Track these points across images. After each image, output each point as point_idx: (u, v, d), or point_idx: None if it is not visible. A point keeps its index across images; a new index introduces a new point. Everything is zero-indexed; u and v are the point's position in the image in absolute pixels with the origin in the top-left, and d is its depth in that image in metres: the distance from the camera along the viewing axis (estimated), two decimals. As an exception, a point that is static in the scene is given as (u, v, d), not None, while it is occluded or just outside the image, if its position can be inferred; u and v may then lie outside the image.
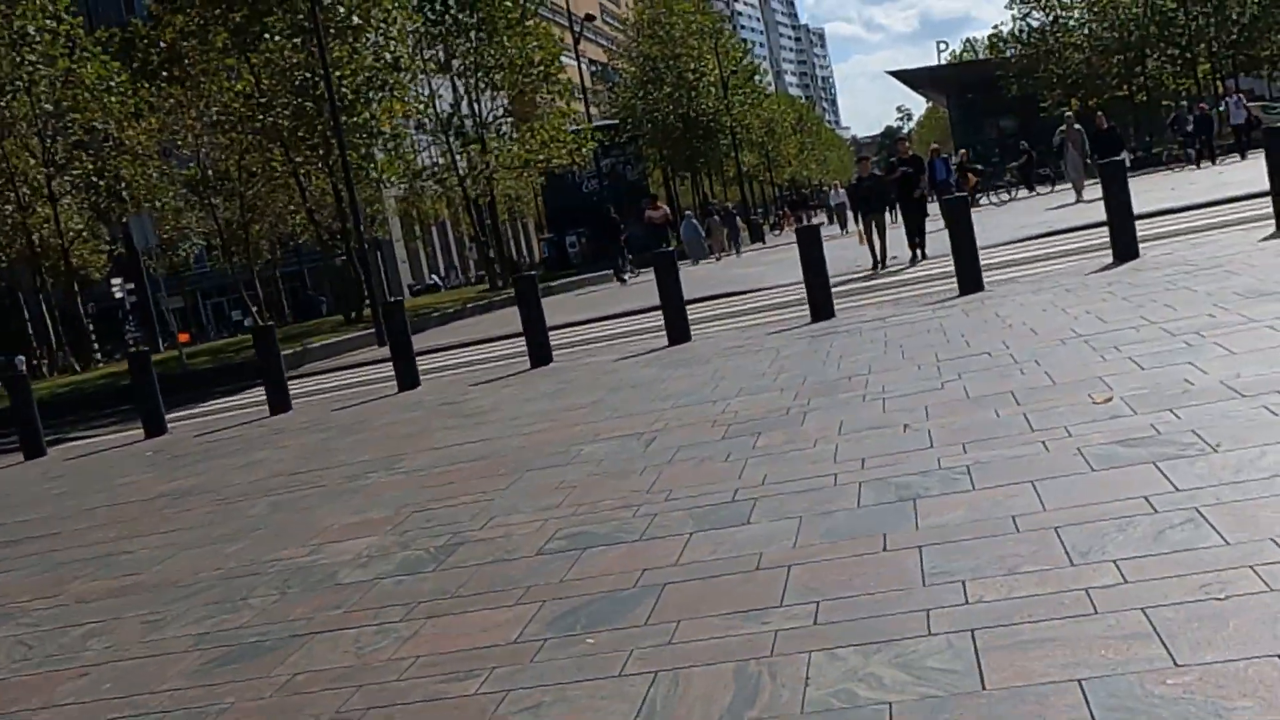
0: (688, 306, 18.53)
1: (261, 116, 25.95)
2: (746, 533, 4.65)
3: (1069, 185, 25.94)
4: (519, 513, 5.81)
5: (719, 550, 4.49)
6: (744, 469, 5.76)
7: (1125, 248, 12.33)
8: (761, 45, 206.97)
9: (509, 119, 33.15)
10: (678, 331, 13.13)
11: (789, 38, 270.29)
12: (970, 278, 12.54)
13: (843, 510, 4.70)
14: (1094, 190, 21.07)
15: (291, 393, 18.40)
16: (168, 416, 18.45)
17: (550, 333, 20.06)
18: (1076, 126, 24.00)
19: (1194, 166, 32.16)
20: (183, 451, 11.85)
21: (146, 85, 26.22)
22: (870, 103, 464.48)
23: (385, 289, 69.09)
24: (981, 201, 33.52)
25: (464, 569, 4.96)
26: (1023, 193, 37.09)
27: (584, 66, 58.91)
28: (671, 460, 6.32)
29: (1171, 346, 6.67)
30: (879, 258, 17.36)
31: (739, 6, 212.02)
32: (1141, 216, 18.49)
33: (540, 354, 13.54)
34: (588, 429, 7.95)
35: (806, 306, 13.16)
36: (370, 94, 25.20)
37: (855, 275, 17.70)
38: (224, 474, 9.36)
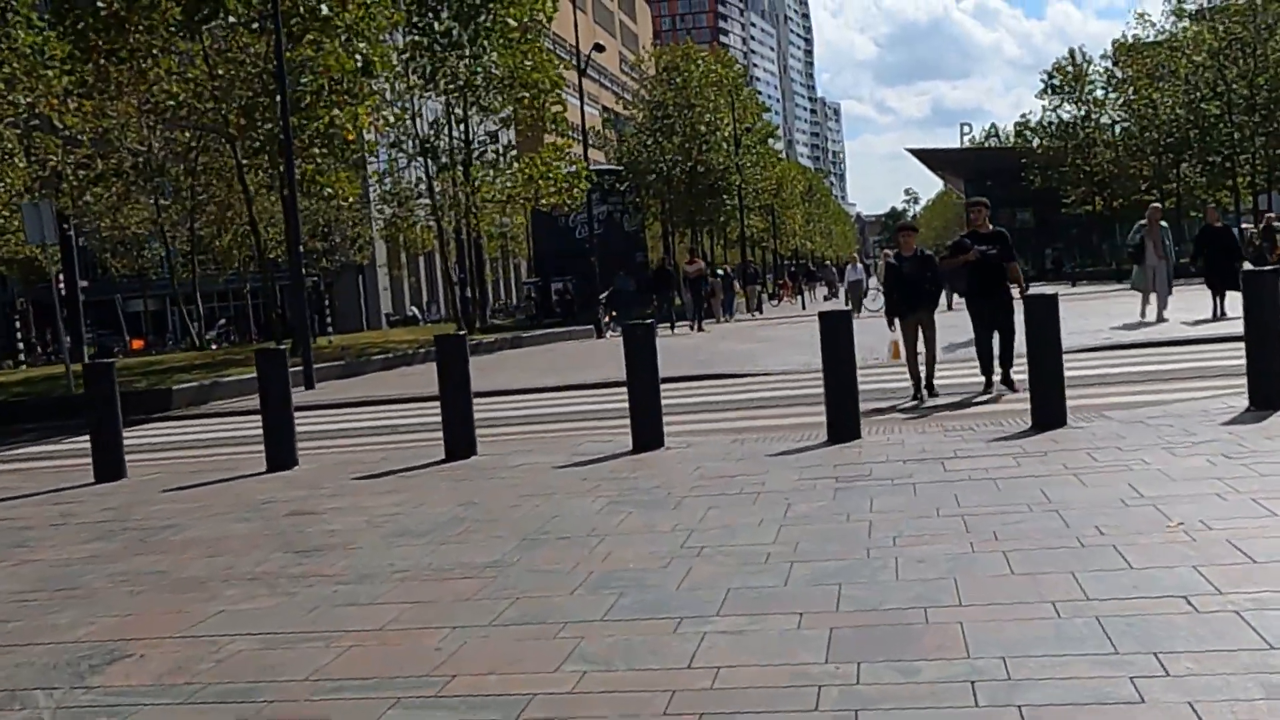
0: (668, 384, 15.13)
1: (210, 108, 22.58)
2: None
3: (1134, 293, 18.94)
4: None
5: None
6: None
7: (1269, 391, 8.92)
8: (777, 114, 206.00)
9: (496, 146, 29.69)
10: (646, 434, 9.65)
11: (804, 109, 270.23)
12: (1050, 407, 9.12)
13: None
14: (1180, 306, 17.37)
15: (160, 438, 14.88)
16: (26, 450, 14.93)
17: (495, 399, 16.67)
18: (1162, 223, 18.98)
19: None
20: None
21: (81, 59, 22.76)
22: (876, 182, 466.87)
23: (364, 316, 66.22)
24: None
25: None
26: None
27: (590, 110, 55.94)
28: None
29: None
30: (924, 382, 11.51)
31: (757, 73, 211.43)
32: (1212, 339, 15.11)
33: (460, 444, 10.02)
34: (448, 645, 4.42)
35: (817, 410, 9.76)
36: (333, 98, 21.82)
37: (873, 367, 14.29)
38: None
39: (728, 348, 21.86)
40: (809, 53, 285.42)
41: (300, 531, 7.12)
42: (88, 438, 14.64)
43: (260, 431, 11.53)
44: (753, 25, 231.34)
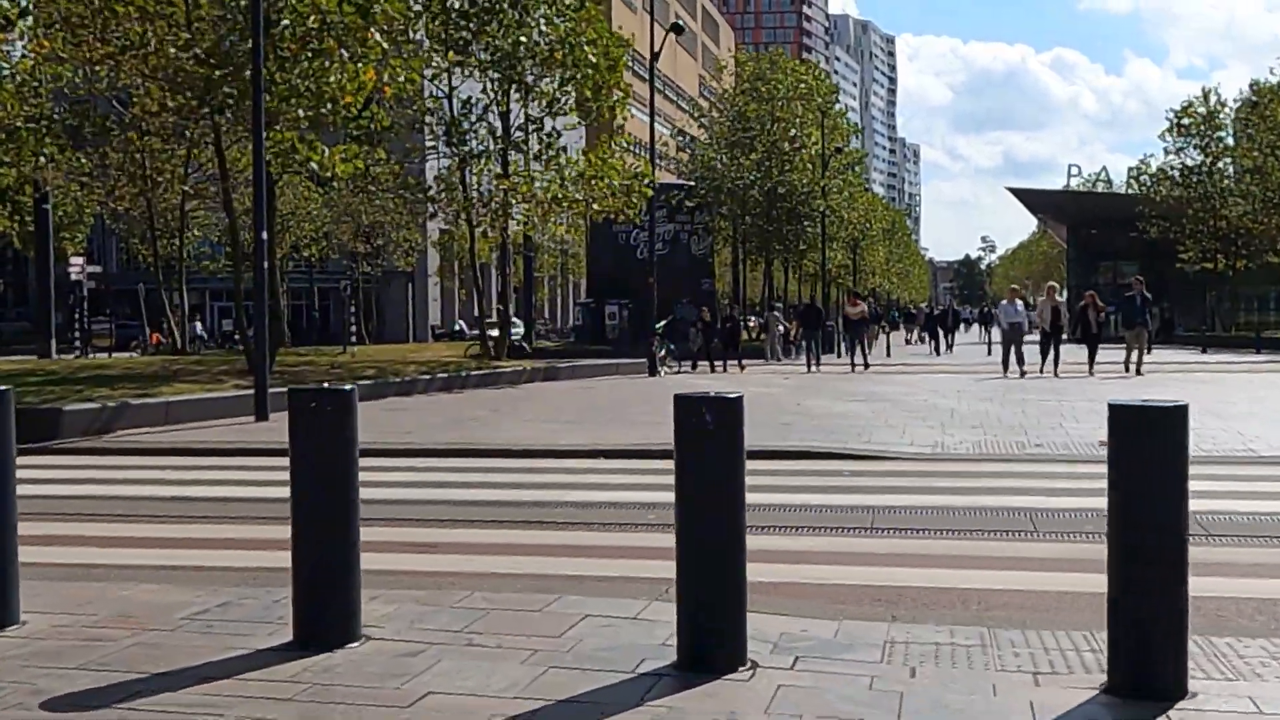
0: (751, 461, 9.63)
1: (181, 55, 17.82)
2: None
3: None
4: None
5: None
6: None
7: None
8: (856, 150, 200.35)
9: (541, 134, 24.48)
10: (705, 639, 4.39)
11: (884, 148, 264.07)
12: None
13: None
14: None
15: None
16: None
17: (479, 462, 11.53)
18: None
19: None
20: None
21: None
22: (945, 229, 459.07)
23: (411, 326, 61.69)
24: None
25: None
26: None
27: (662, 129, 50.98)
28: None
29: None
30: None
31: (838, 108, 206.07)
32: None
33: (319, 621, 4.83)
34: None
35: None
36: (324, 46, 16.93)
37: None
38: None
39: (818, 407, 16.44)
40: (892, 92, 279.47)
41: None
42: None
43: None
44: (836, 59, 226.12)
